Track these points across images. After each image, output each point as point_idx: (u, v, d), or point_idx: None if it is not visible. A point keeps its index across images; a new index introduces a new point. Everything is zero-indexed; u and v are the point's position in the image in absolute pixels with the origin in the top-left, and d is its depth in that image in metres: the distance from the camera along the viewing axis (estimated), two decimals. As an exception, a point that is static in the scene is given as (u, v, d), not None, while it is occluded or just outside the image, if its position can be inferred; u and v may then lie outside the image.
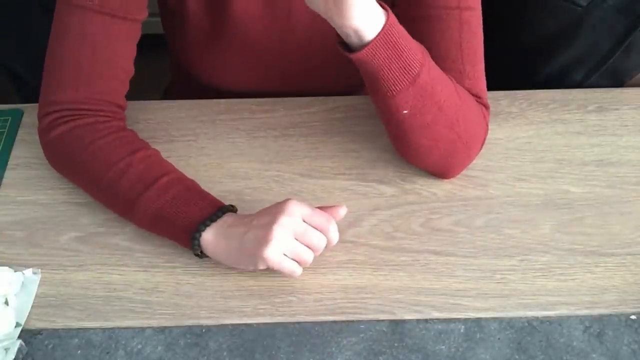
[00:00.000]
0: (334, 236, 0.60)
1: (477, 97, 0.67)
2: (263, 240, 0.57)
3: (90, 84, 0.67)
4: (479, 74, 0.68)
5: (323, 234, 0.59)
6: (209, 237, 0.60)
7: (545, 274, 0.65)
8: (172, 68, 0.97)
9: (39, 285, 0.64)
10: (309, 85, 0.82)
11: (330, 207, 0.61)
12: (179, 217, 0.61)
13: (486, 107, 0.69)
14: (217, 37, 0.77)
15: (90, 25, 0.65)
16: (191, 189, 0.65)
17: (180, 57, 0.84)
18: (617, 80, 0.87)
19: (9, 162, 0.76)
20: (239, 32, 0.76)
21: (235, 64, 0.80)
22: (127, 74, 0.70)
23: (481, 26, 0.66)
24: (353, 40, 0.56)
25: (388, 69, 0.57)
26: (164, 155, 0.69)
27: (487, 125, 0.70)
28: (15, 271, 0.65)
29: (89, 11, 0.64)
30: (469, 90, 0.66)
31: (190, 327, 0.62)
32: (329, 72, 0.80)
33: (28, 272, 0.65)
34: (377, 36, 0.55)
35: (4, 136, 0.78)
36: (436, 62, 0.63)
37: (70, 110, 0.67)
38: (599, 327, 0.62)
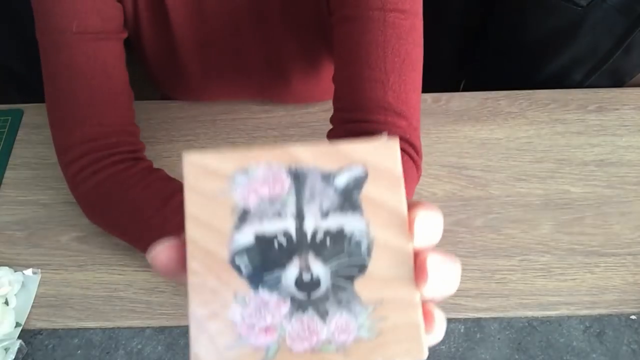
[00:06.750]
0: None
1: (401, 116, 0.57)
2: None
3: (93, 118, 0.61)
4: (408, 87, 0.58)
5: None
6: None
7: (545, 274, 0.65)
8: None
9: (39, 285, 0.64)
10: (282, 97, 0.81)
11: None
12: None
13: (413, 144, 0.58)
14: (172, 59, 0.74)
15: (74, 55, 0.60)
16: None
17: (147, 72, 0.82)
18: (617, 80, 0.87)
19: (9, 162, 0.76)
20: (190, 50, 0.73)
21: (195, 78, 0.78)
22: (126, 97, 0.65)
23: (419, 33, 0.60)
24: None
25: None
26: (164, 155, 0.69)
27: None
28: (15, 271, 0.65)
29: (70, 40, 0.60)
30: (391, 105, 0.57)
31: (190, 327, 0.62)
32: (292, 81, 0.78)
33: (28, 272, 0.65)
34: None
35: (4, 136, 0.78)
36: (358, 69, 0.58)
37: (87, 157, 0.61)
38: (599, 327, 0.62)
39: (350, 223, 0.24)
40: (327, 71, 0.80)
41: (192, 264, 0.24)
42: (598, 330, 0.61)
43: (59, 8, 0.60)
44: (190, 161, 0.25)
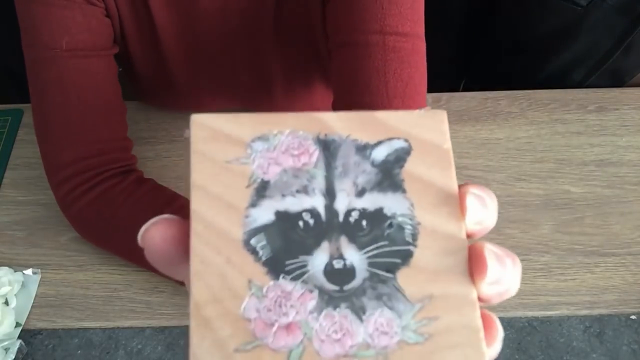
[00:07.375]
0: None
1: None
2: None
3: (86, 135, 0.60)
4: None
5: None
6: None
7: (545, 274, 0.65)
8: None
9: (39, 285, 0.64)
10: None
11: None
12: None
13: None
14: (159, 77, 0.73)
15: (65, 72, 0.59)
16: None
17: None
18: (617, 80, 0.87)
19: (9, 162, 0.76)
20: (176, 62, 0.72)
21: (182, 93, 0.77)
22: (119, 112, 0.64)
23: (421, 55, 0.58)
24: None
25: None
26: (163, 155, 0.69)
27: None
28: (15, 271, 0.65)
29: (60, 57, 0.58)
30: None
31: (190, 327, 0.62)
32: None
33: (28, 272, 0.65)
34: None
35: (4, 136, 0.78)
36: (358, 95, 0.56)
37: (79, 176, 0.60)
38: (599, 327, 0.62)
39: (390, 203, 0.20)
40: (319, 94, 0.78)
41: (197, 244, 0.19)
42: (598, 330, 0.61)
43: (48, 24, 0.58)
44: (199, 123, 0.20)
